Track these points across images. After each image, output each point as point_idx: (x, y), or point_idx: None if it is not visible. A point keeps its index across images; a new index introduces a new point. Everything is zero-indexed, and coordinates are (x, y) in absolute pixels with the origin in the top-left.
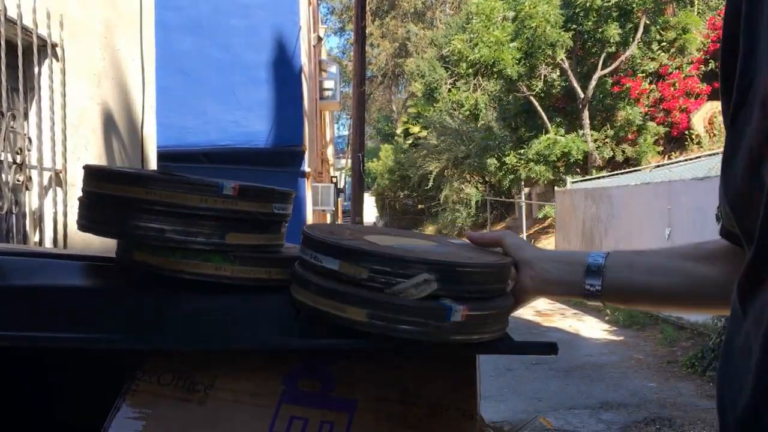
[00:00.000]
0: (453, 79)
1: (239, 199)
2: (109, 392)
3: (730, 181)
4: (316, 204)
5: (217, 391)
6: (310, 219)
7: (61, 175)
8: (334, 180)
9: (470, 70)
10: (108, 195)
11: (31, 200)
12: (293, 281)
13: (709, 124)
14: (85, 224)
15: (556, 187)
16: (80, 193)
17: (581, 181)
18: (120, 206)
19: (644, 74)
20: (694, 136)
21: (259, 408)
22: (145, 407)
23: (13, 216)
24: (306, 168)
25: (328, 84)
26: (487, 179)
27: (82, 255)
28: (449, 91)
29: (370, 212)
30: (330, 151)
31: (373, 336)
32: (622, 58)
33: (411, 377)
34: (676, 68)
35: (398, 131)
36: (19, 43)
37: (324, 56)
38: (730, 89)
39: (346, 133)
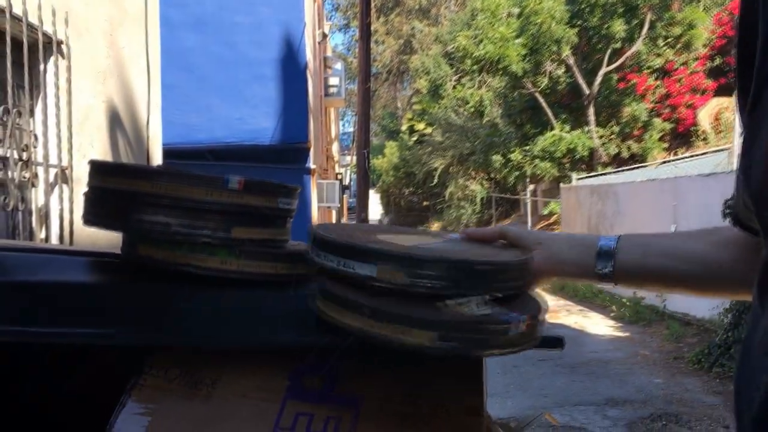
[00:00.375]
0: (458, 75)
1: (245, 194)
2: (115, 388)
3: (751, 172)
4: (321, 201)
5: (222, 386)
6: (315, 216)
7: (66, 172)
8: (339, 177)
9: (475, 67)
10: (114, 189)
11: (37, 197)
12: (326, 300)
13: (716, 120)
14: (90, 219)
15: (561, 184)
16: (86, 189)
17: (587, 177)
18: (125, 200)
19: (650, 70)
20: (700, 132)
21: (264, 404)
22: (151, 403)
23: (20, 213)
24: (311, 165)
25: (333, 81)
26: (492, 176)
27: (87, 251)
28: (454, 87)
29: (375, 209)
30: (335, 147)
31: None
32: (628, 54)
33: (417, 374)
34: (682, 64)
35: (403, 128)
36: (25, 41)
37: (329, 53)
38: (747, 81)
39: (351, 129)
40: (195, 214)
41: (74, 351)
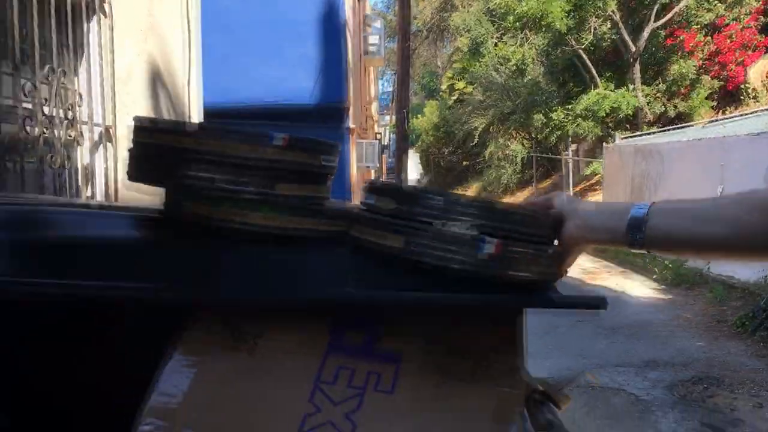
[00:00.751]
0: (499, 33)
1: (288, 150)
2: (160, 342)
3: None
4: (360, 161)
5: (266, 341)
6: (354, 175)
7: (111, 130)
8: (379, 136)
9: (517, 24)
10: (158, 145)
11: (82, 155)
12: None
13: (767, 77)
14: (135, 175)
15: (604, 144)
16: (130, 146)
17: (630, 137)
18: (170, 156)
19: (699, 26)
20: (750, 91)
21: (306, 358)
22: (195, 357)
23: (66, 171)
24: (350, 124)
25: (373, 39)
26: (533, 135)
27: (132, 208)
28: (495, 45)
29: (414, 169)
30: (374, 107)
31: (423, 293)
32: (676, 9)
33: (457, 331)
34: (733, 20)
35: (443, 87)
36: (68, 0)
37: (368, 11)
38: None
39: (390, 89)
40: (239, 171)
41: (124, 302)
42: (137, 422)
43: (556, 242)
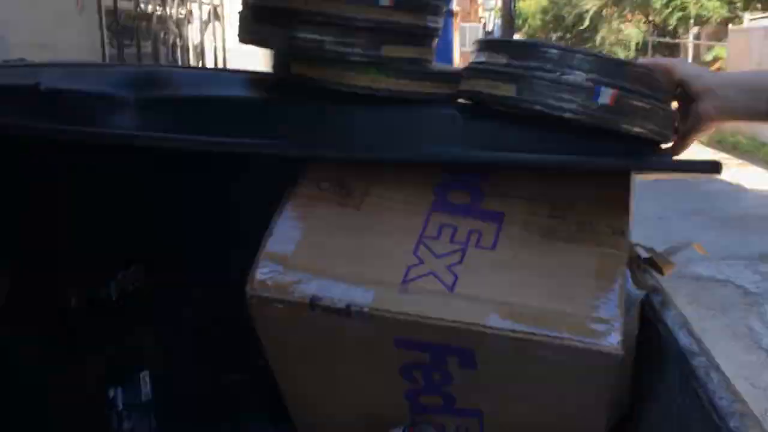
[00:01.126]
0: None
1: (395, 11)
2: (272, 198)
3: None
4: (463, 45)
5: (372, 197)
6: (457, 60)
7: (218, 9)
8: (483, 20)
9: None
10: (268, 7)
11: (193, 33)
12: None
13: None
14: (245, 37)
15: (730, 26)
16: (241, 9)
17: (762, 18)
18: (279, 18)
19: None
20: None
21: (411, 215)
22: (306, 209)
23: (178, 48)
24: (454, 7)
25: None
26: (650, 18)
27: (244, 71)
28: None
29: None
30: None
31: (530, 154)
32: None
33: (561, 192)
34: None
35: None
36: None
37: None
38: None
39: None
40: (346, 32)
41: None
42: (254, 266)
43: (686, 118)
